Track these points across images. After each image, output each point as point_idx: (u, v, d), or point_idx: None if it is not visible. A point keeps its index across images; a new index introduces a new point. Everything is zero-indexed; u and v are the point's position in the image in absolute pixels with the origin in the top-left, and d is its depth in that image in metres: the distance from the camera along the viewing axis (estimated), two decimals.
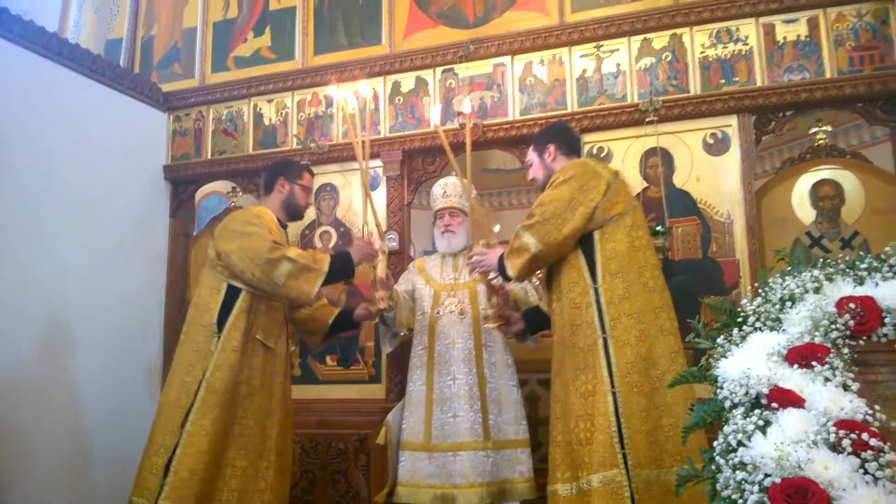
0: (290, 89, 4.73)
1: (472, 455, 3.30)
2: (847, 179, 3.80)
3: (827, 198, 3.83)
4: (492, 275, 3.14)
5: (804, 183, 3.87)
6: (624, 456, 2.55)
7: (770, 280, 1.65)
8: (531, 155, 3.25)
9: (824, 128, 3.98)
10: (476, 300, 3.55)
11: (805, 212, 3.85)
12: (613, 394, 2.62)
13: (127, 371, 4.40)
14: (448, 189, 3.75)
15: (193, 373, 3.13)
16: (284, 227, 3.52)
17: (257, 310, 3.25)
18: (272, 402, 3.29)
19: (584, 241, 2.86)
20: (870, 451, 1.16)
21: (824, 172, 3.85)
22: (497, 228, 7.07)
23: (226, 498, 3.07)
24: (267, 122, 4.78)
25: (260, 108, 4.81)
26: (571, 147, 3.20)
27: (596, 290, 2.79)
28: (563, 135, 3.24)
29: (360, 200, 4.52)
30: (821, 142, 3.95)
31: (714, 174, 3.89)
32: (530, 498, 3.40)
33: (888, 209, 3.72)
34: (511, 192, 8.71)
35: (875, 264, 1.59)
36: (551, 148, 3.15)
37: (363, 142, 3.38)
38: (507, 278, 3.00)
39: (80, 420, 4.06)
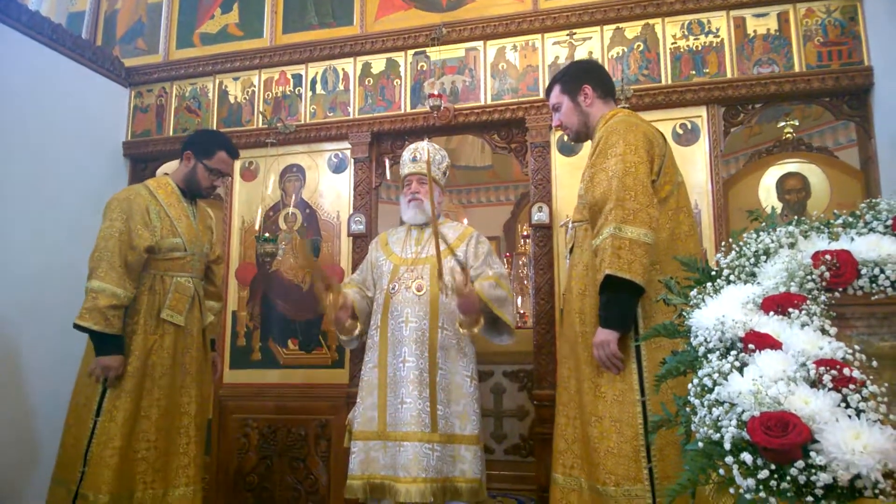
0: (257, 67, 4.62)
1: (417, 447, 2.97)
2: (813, 173, 3.84)
3: (793, 191, 3.86)
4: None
5: (771, 175, 3.91)
6: (650, 470, 2.30)
7: (745, 235, 1.62)
8: (559, 97, 2.81)
9: (792, 122, 4.02)
10: (436, 277, 3.18)
11: (772, 204, 3.88)
12: (643, 403, 2.34)
13: (75, 350, 4.21)
14: (418, 154, 3.41)
15: None
16: (192, 198, 3.39)
17: (160, 289, 3.19)
18: (186, 379, 3.27)
19: None
20: (852, 385, 1.13)
21: (791, 166, 3.89)
22: (465, 221, 7.04)
23: (151, 479, 3.07)
24: (232, 101, 4.66)
25: (225, 86, 4.69)
26: (608, 89, 2.80)
27: None
28: (598, 74, 2.83)
29: (327, 182, 4.44)
30: (788, 136, 3.99)
31: (683, 164, 3.82)
32: (472, 501, 3.06)
33: (853, 203, 3.76)
34: (480, 189, 8.68)
35: (850, 220, 1.57)
36: (588, 89, 2.74)
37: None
38: (607, 290, 2.41)
39: (27, 398, 3.88)
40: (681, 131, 3.91)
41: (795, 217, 1.65)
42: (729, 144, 3.94)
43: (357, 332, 3.31)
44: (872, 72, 3.65)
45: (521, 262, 6.83)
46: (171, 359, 3.18)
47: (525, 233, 6.76)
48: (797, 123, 4.04)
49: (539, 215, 3.97)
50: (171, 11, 4.89)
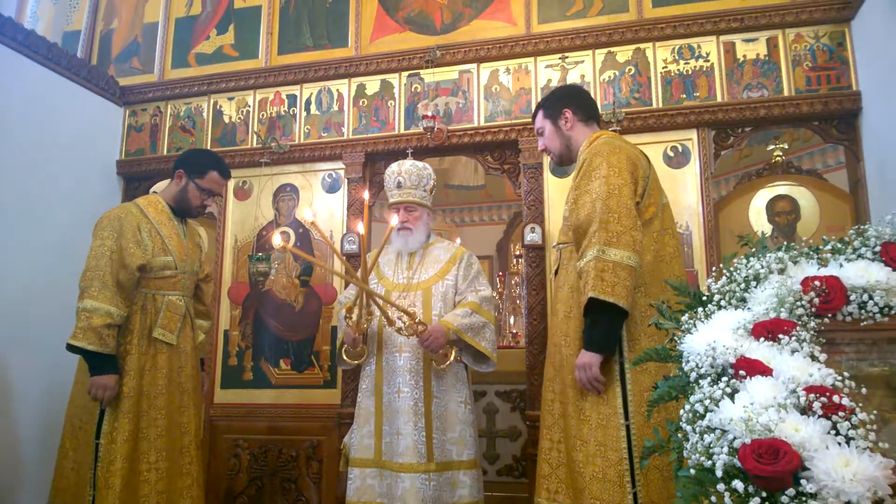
0: (251, 88, 4.65)
1: (415, 478, 3.00)
2: (803, 196, 3.89)
3: (783, 213, 3.90)
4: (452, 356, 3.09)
5: (761, 198, 3.95)
6: (634, 495, 2.30)
7: (735, 260, 1.64)
8: (542, 121, 2.85)
9: (781, 145, 4.07)
10: (429, 304, 3.21)
11: (761, 226, 3.93)
12: (627, 427, 2.35)
13: (66, 369, 4.18)
14: (402, 179, 3.36)
15: None
16: (182, 216, 3.38)
17: (152, 308, 3.17)
18: (183, 398, 3.25)
19: None
20: (841, 413, 1.14)
21: (781, 188, 3.93)
22: (458, 241, 7.04)
23: (155, 502, 3.04)
24: (227, 120, 4.68)
25: (220, 106, 4.71)
26: (590, 112, 2.81)
27: None
28: (579, 98, 2.85)
29: (321, 202, 4.45)
30: (777, 158, 4.03)
31: (673, 186, 3.91)
32: None
33: (842, 226, 3.80)
34: (472, 208, 8.71)
35: (839, 246, 1.59)
36: (568, 113, 2.76)
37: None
38: (590, 312, 2.43)
39: (16, 420, 3.85)
40: (671, 154, 3.95)
41: (785, 242, 1.67)
42: (719, 166, 3.98)
43: (364, 358, 3.26)
44: (861, 96, 3.71)
45: (513, 282, 6.84)
46: (166, 378, 3.16)
47: (518, 252, 6.78)
48: (786, 147, 4.09)
49: (531, 236, 3.99)
50: (166, 32, 4.92)
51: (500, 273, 7.31)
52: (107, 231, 3.10)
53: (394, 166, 3.47)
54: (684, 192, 3.88)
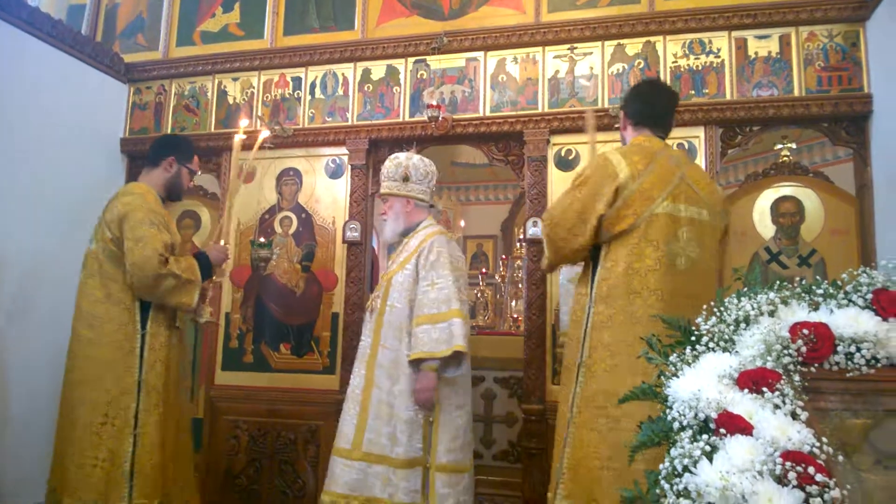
0: (256, 69, 4.61)
1: (338, 461, 3.11)
2: (808, 197, 3.85)
3: (787, 214, 3.87)
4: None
5: (766, 198, 3.91)
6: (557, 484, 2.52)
7: (726, 300, 1.64)
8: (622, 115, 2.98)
9: (789, 145, 4.02)
10: (387, 294, 3.24)
11: (765, 227, 3.89)
12: (570, 423, 2.54)
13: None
14: (381, 173, 3.51)
15: (116, 371, 3.08)
16: (164, 201, 3.42)
17: None
18: (182, 379, 3.42)
19: (594, 254, 2.67)
20: (815, 486, 1.15)
21: (786, 189, 3.89)
22: (462, 224, 7.04)
23: (162, 483, 3.14)
24: (231, 101, 4.65)
25: (224, 86, 4.68)
26: (637, 119, 2.87)
27: (590, 309, 2.60)
28: (632, 102, 2.93)
29: (324, 187, 4.44)
30: (785, 158, 3.99)
31: None
32: None
33: (846, 230, 3.78)
34: (479, 186, 8.68)
35: (831, 290, 1.58)
36: (622, 115, 2.94)
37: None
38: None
39: (9, 398, 3.90)
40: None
41: (777, 281, 1.66)
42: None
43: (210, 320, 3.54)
44: (872, 99, 3.65)
45: (516, 265, 6.84)
46: (176, 362, 3.29)
47: (522, 236, 6.77)
48: (794, 146, 4.04)
49: (534, 230, 3.98)
50: (171, 8, 4.86)
51: (504, 256, 7.31)
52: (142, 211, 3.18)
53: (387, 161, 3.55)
54: None
